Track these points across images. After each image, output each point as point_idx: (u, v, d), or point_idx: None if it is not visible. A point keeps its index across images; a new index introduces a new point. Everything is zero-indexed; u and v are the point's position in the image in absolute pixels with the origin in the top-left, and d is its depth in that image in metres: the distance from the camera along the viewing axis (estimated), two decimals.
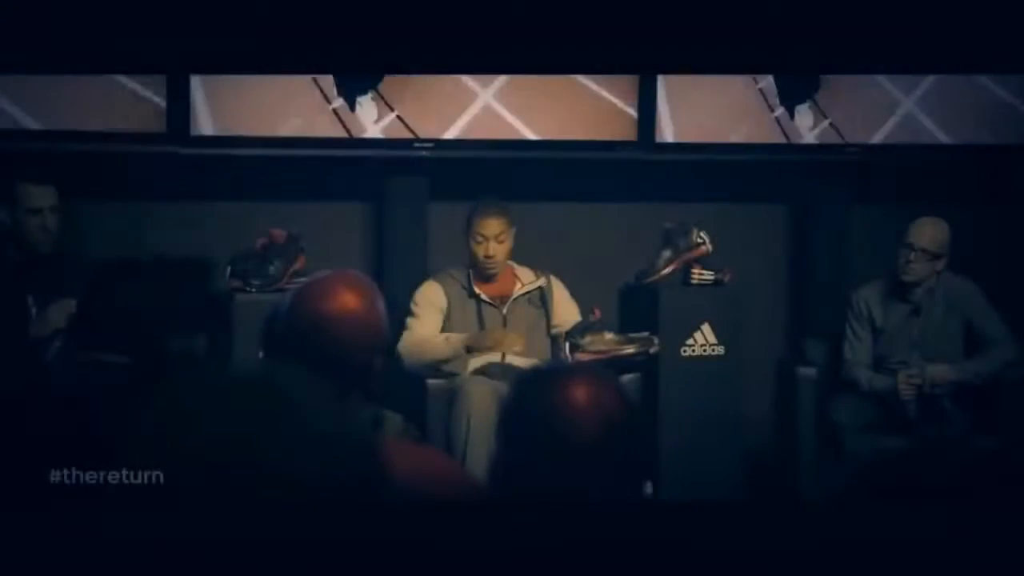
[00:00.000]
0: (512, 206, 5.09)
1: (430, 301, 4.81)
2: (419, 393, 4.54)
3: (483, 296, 4.84)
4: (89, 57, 3.65)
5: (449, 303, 4.81)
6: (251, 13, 3.39)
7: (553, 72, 4.98)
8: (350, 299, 2.19)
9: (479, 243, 4.80)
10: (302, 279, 3.67)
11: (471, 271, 4.85)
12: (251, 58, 3.55)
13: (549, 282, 4.92)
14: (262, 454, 0.93)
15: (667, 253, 5.05)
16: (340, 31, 3.45)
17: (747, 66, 4.28)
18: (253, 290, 4.57)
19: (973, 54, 3.58)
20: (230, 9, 3.40)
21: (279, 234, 4.65)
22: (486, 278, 4.86)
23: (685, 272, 5.08)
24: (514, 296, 4.88)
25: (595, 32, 3.51)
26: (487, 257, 4.80)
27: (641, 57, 3.62)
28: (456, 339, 4.73)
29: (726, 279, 5.08)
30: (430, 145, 5.13)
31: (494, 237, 4.79)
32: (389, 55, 3.58)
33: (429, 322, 4.78)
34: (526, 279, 4.90)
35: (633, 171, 5.51)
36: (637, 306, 5.12)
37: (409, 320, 4.79)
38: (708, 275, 5.07)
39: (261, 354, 2.25)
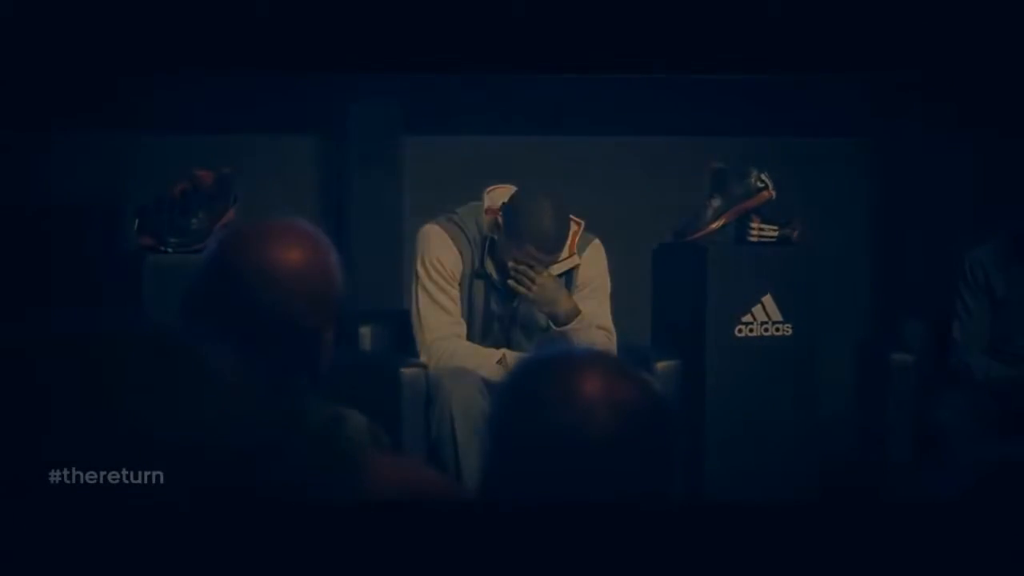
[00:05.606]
0: (513, 141, 5.08)
1: (448, 270, 4.55)
2: (389, 384, 4.53)
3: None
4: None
5: (462, 270, 4.58)
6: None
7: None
8: (293, 250, 2.18)
9: (520, 260, 4.46)
10: None
11: (490, 241, 4.54)
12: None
13: (581, 259, 4.61)
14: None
15: (717, 202, 5.05)
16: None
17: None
18: (169, 250, 4.58)
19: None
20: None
21: (205, 176, 4.66)
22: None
23: (741, 226, 5.07)
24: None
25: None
26: (529, 281, 4.47)
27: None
28: (512, 359, 4.47)
29: (794, 235, 5.08)
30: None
31: (549, 264, 4.50)
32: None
33: (451, 306, 4.55)
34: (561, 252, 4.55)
35: (671, 94, 5.50)
36: (677, 271, 5.11)
37: (424, 298, 4.56)
38: (771, 230, 5.07)
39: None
